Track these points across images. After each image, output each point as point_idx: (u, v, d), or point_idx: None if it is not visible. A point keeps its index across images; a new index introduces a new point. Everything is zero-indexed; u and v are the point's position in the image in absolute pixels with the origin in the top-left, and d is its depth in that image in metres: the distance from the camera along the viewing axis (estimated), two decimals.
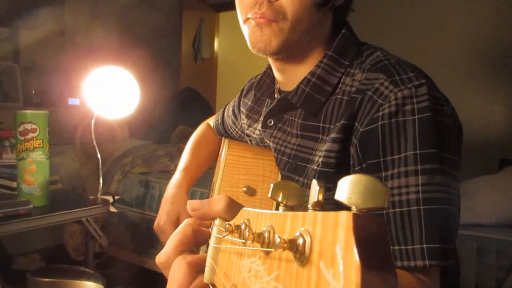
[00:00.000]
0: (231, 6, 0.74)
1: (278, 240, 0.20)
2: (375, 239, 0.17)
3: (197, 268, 0.36)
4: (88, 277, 1.32)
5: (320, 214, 0.19)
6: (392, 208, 0.54)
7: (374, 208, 0.19)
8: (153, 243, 2.18)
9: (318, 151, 0.65)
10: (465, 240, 1.46)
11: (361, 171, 0.59)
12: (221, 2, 4.02)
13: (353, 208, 0.19)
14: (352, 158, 0.61)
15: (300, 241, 0.19)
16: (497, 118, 2.90)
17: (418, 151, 0.54)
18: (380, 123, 0.57)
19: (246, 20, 0.65)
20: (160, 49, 3.48)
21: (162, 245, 0.66)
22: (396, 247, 0.53)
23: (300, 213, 0.21)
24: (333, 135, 0.62)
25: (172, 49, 3.75)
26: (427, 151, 0.54)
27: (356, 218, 0.17)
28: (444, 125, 0.56)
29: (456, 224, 0.57)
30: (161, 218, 0.83)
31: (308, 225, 0.20)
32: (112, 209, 1.41)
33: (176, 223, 0.81)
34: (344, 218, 0.18)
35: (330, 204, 0.64)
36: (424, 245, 0.51)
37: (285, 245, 0.20)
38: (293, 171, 0.69)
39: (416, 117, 0.55)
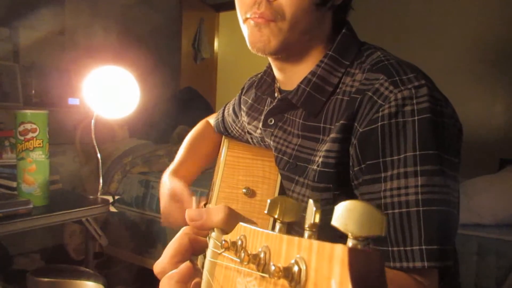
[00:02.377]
0: (231, 6, 0.74)
1: (273, 268, 0.20)
2: (371, 276, 0.17)
3: (187, 283, 0.36)
4: (88, 277, 1.32)
5: (315, 243, 0.19)
6: (391, 209, 0.54)
7: (371, 236, 0.19)
8: (153, 243, 2.18)
9: (318, 151, 0.65)
10: (465, 240, 1.46)
11: (360, 171, 0.59)
12: (221, 2, 4.02)
13: (350, 236, 0.19)
14: (352, 159, 0.61)
15: (295, 269, 0.19)
16: (497, 118, 2.89)
17: (417, 152, 0.54)
18: (379, 123, 0.57)
19: (245, 20, 0.65)
20: (160, 49, 3.48)
21: (173, 231, 0.65)
22: (395, 248, 0.53)
23: (296, 239, 0.21)
24: (332, 135, 0.62)
25: (172, 49, 3.75)
26: (426, 153, 0.54)
27: (352, 253, 0.17)
28: (444, 126, 0.56)
29: (455, 225, 0.57)
30: (163, 203, 0.82)
31: (303, 252, 0.20)
32: (112, 209, 1.41)
33: (175, 198, 0.81)
34: (340, 251, 0.17)
35: (329, 204, 0.64)
36: (423, 247, 0.51)
37: (280, 273, 0.20)
38: (293, 171, 0.69)
39: (416, 118, 0.55)
